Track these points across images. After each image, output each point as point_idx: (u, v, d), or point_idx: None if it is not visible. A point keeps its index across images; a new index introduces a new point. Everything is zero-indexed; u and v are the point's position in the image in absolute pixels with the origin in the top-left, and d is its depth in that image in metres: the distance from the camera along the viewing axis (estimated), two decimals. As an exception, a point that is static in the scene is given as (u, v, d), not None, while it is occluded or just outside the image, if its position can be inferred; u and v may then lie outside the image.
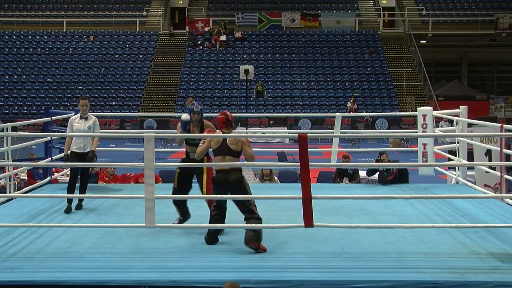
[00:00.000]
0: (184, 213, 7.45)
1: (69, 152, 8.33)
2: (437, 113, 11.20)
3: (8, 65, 34.26)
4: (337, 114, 11.38)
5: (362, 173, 12.40)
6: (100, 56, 34.83)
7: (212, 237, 6.63)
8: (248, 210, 6.49)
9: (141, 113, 29.67)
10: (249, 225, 6.37)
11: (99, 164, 13.05)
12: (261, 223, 6.45)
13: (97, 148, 8.46)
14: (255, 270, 5.79)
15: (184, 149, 7.52)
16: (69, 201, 8.18)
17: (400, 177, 10.30)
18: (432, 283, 5.46)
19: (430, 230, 6.95)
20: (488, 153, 9.76)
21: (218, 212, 6.68)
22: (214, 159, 6.80)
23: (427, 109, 10.86)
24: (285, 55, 34.83)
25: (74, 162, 8.28)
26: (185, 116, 7.38)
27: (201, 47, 35.54)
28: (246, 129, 18.76)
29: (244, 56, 34.63)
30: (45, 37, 36.47)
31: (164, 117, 29.07)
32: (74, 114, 8.95)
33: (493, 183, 9.69)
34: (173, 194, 7.37)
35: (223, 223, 6.70)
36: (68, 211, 8.08)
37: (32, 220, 7.71)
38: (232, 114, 6.86)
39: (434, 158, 10.47)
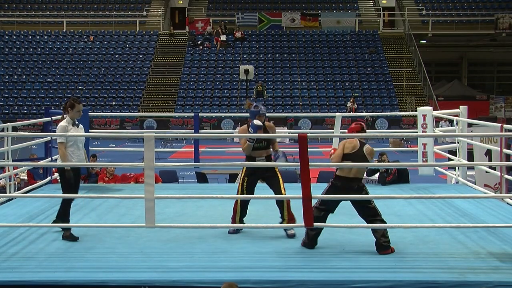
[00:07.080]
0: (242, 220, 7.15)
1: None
2: (437, 113, 11.20)
3: (8, 65, 34.24)
4: (337, 114, 11.36)
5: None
6: (100, 56, 34.81)
7: (312, 241, 6.44)
8: (372, 213, 6.45)
9: (141, 113, 29.68)
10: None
11: (99, 164, 13.05)
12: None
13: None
14: (255, 270, 5.78)
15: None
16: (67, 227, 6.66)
17: (400, 177, 10.28)
18: (432, 283, 5.46)
19: (430, 230, 6.95)
20: (488, 153, 9.75)
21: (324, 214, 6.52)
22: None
23: (427, 109, 10.86)
24: (285, 55, 34.81)
25: (77, 180, 6.91)
26: (257, 121, 7.07)
27: (201, 47, 35.53)
28: (246, 129, 18.67)
29: (244, 56, 34.61)
30: (45, 37, 36.45)
31: (164, 117, 29.09)
32: (62, 118, 7.03)
33: (493, 183, 9.68)
34: (241, 205, 7.10)
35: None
36: (71, 238, 6.62)
37: (32, 220, 7.70)
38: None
39: (434, 158, 10.46)
